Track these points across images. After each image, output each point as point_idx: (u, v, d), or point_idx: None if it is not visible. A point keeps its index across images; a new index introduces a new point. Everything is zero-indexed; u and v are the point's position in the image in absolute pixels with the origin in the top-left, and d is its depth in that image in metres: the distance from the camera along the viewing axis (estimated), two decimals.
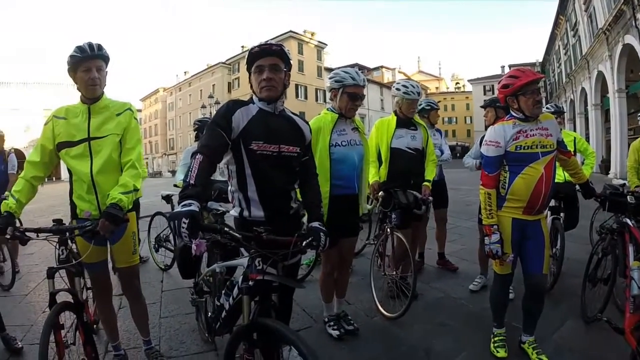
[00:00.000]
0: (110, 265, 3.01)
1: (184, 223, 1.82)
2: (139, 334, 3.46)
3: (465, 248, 6.24)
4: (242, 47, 62.21)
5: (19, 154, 7.39)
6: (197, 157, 2.12)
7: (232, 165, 2.42)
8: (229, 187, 2.53)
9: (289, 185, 2.54)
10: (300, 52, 53.86)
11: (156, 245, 6.05)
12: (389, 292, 4.15)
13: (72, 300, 2.54)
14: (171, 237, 5.68)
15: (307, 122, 2.70)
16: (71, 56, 2.66)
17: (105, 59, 2.75)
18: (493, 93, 63.03)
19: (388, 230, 4.03)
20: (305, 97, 52.70)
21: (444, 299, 4.34)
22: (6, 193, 6.04)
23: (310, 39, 56.09)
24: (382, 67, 71.01)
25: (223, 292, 2.50)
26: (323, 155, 3.19)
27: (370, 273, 4.20)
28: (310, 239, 2.20)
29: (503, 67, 66.77)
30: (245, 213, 2.43)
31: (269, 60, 2.37)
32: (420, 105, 5.26)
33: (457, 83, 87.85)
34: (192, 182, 2.03)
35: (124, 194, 2.55)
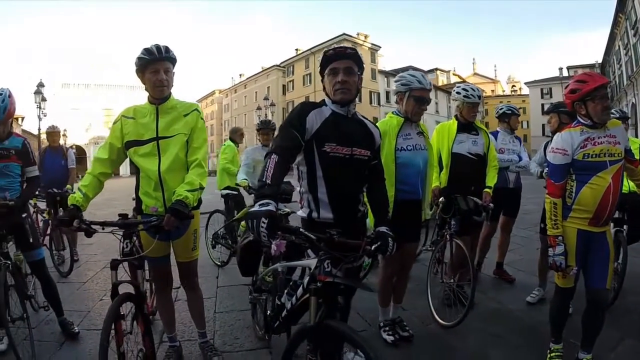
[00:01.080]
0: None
1: (263, 223, 1.82)
2: (193, 326, 3.53)
3: (522, 259, 6.02)
4: (296, 50, 63.06)
5: (79, 151, 7.65)
6: (272, 156, 2.13)
7: (303, 167, 2.43)
8: (298, 188, 2.53)
9: (358, 189, 2.53)
10: None
11: (213, 242, 6.18)
12: (444, 300, 4.05)
13: (133, 292, 2.58)
14: (228, 234, 5.79)
15: (377, 126, 2.69)
16: (139, 58, 2.74)
17: (173, 60, 2.83)
18: (550, 96, 60.72)
19: (447, 236, 3.93)
20: (360, 100, 51.75)
21: (500, 310, 4.19)
22: (67, 186, 6.38)
23: (364, 41, 55.90)
24: (436, 69, 70.17)
25: (285, 291, 2.51)
26: (388, 160, 3.15)
27: (427, 279, 4.10)
28: (378, 243, 2.17)
29: (561, 69, 64.47)
30: (314, 214, 2.43)
31: (343, 63, 2.37)
32: (501, 109, 5.17)
33: (513, 86, 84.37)
34: (268, 181, 2.04)
35: (189, 192, 2.61)
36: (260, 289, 3.27)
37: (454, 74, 73.83)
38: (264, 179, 2.05)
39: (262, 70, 69.19)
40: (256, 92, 66.22)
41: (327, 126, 2.37)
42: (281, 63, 65.54)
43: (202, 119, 2.93)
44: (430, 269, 4.20)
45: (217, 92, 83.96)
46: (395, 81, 3.36)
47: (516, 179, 5.09)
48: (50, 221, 6.08)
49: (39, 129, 21.12)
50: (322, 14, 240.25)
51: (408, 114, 3.30)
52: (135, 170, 2.92)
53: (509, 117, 5.17)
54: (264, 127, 5.64)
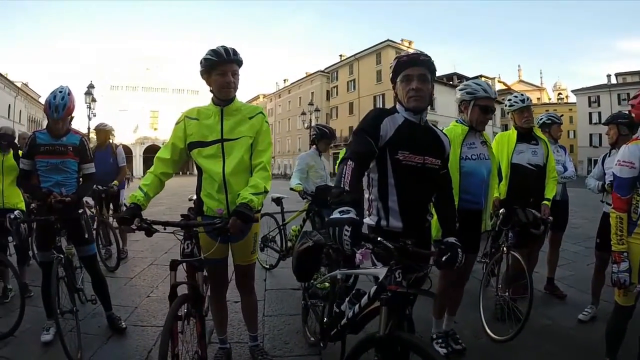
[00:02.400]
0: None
1: (347, 231, 1.79)
2: (241, 329, 3.52)
3: (573, 275, 5.79)
4: (340, 56, 63.51)
5: (126, 150, 7.82)
6: (348, 163, 2.11)
7: (374, 174, 2.39)
8: (367, 196, 2.47)
9: (427, 198, 2.49)
10: None
11: (262, 245, 6.16)
12: (496, 314, 3.93)
13: (188, 293, 2.53)
14: (277, 238, 5.81)
15: (446, 135, 2.63)
16: (206, 59, 2.72)
17: (240, 63, 2.81)
18: (598, 105, 58.48)
19: (504, 248, 3.81)
20: None
21: (552, 326, 4.03)
22: (114, 183, 6.47)
23: (408, 47, 55.27)
24: (481, 76, 68.61)
25: (347, 299, 2.46)
26: (453, 168, 3.06)
27: (479, 292, 3.98)
28: (449, 254, 2.12)
29: (609, 76, 61.34)
30: (383, 223, 2.38)
31: (417, 70, 2.33)
32: (541, 119, 4.99)
33: (559, 94, 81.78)
34: (346, 188, 2.02)
35: (254, 195, 2.58)
36: (316, 295, 3.22)
37: (499, 81, 72.42)
38: (341, 186, 2.03)
39: (307, 76, 69.89)
40: (300, 98, 66.82)
41: (401, 134, 2.33)
42: (325, 69, 66.08)
43: (266, 122, 2.90)
44: (484, 281, 4.08)
45: (262, 97, 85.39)
46: (460, 90, 3.29)
47: (562, 190, 4.92)
48: (96, 217, 6.18)
49: (89, 129, 21.72)
50: (366, 19, 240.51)
51: (472, 122, 3.23)
52: (197, 171, 2.90)
53: (549, 127, 4.99)
54: (327, 137, 5.62)
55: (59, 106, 3.54)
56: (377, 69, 54.79)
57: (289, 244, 5.66)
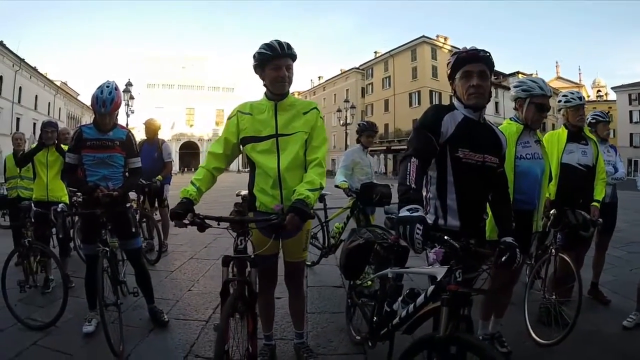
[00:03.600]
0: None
1: (418, 229, 1.77)
2: (285, 325, 3.52)
3: (616, 279, 5.61)
4: (375, 52, 63.37)
5: None
6: (411, 160, 2.08)
7: (433, 172, 2.35)
8: (425, 194, 2.42)
9: (485, 197, 2.45)
10: (434, 57, 53.18)
11: None
12: (541, 317, 3.85)
13: (242, 290, 2.49)
14: (319, 235, 5.77)
15: (503, 133, 2.58)
16: (259, 53, 2.70)
17: (294, 57, 2.76)
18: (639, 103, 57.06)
19: (552, 250, 3.71)
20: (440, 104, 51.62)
21: (595, 332, 3.91)
22: (157, 177, 6.57)
23: (444, 43, 54.98)
24: (518, 72, 67.36)
25: (400, 299, 2.43)
26: (507, 168, 2.98)
27: (525, 294, 3.89)
28: (507, 254, 2.07)
29: None
30: (441, 221, 2.34)
31: (477, 66, 2.29)
32: (587, 119, 4.84)
33: (598, 91, 79.22)
34: (413, 185, 2.00)
35: (311, 191, 2.54)
36: (363, 294, 3.19)
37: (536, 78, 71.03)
38: (407, 183, 2.00)
39: (341, 73, 69.88)
40: (335, 95, 66.93)
41: (461, 131, 2.29)
42: (360, 66, 65.95)
43: (321, 117, 2.87)
44: (529, 284, 3.98)
45: (296, 94, 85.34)
46: (515, 86, 3.21)
47: (612, 192, 4.75)
48: (139, 211, 6.29)
49: (127, 125, 22.30)
50: (400, 16, 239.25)
51: (527, 121, 3.15)
52: (250, 166, 2.87)
53: (595, 126, 4.82)
54: (367, 130, 5.56)
55: (107, 101, 3.58)
56: (412, 65, 54.44)
57: (332, 241, 5.63)
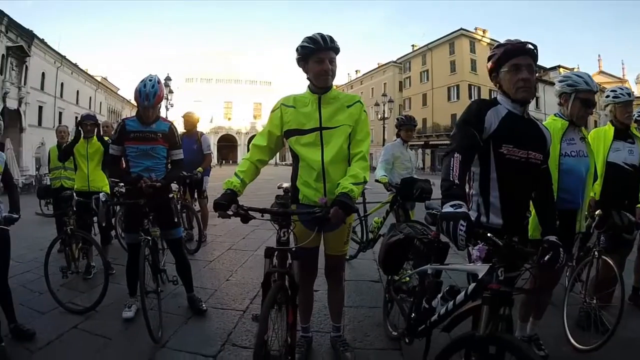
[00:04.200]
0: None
1: (462, 226, 1.77)
2: (322, 318, 3.57)
3: None
4: (413, 46, 62.06)
5: None
6: (455, 155, 2.06)
7: (476, 168, 2.31)
8: (468, 190, 2.38)
9: (528, 195, 2.40)
10: (473, 50, 51.66)
11: None
12: (580, 322, 3.74)
13: (283, 282, 2.50)
14: (358, 229, 5.75)
15: (547, 129, 2.52)
16: (302, 47, 2.71)
17: (336, 50, 2.77)
18: None
19: (595, 253, 3.61)
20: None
21: (636, 340, 3.75)
22: (198, 169, 6.73)
23: (482, 36, 53.36)
24: (559, 66, 65.22)
25: (439, 296, 2.42)
26: (552, 165, 2.92)
27: (564, 297, 3.80)
28: (551, 253, 2.04)
29: None
30: (483, 219, 2.31)
31: (525, 59, 2.24)
32: (633, 115, 4.68)
33: None
34: (456, 181, 1.98)
35: (355, 185, 2.54)
36: (401, 289, 3.18)
37: None
38: (450, 179, 1.99)
39: (379, 67, 69.10)
40: (372, 89, 66.15)
41: (505, 126, 2.25)
42: (397, 59, 64.90)
43: (364, 111, 2.85)
44: (569, 286, 3.88)
45: (334, 87, 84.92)
46: (560, 81, 3.12)
47: None
48: (180, 201, 6.46)
49: (166, 118, 22.87)
50: (438, 8, 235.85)
51: (573, 117, 3.05)
52: (293, 159, 2.90)
53: None
54: (407, 124, 5.50)
55: (150, 94, 3.68)
56: (450, 59, 53.18)
57: (370, 235, 5.61)
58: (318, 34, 2.70)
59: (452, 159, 2.05)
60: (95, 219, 5.55)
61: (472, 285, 2.06)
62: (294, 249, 2.53)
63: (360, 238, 5.78)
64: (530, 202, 2.50)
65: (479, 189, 2.33)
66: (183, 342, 3.44)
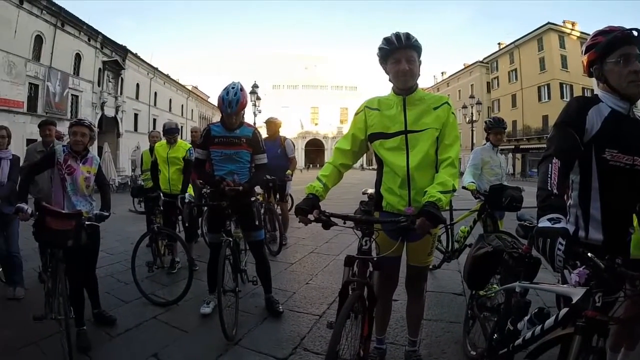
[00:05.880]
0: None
1: (561, 245, 1.58)
2: (399, 329, 3.48)
3: None
4: (499, 44, 58.77)
5: None
6: (553, 161, 1.86)
7: (575, 175, 2.07)
8: (569, 202, 2.17)
9: (632, 207, 2.11)
10: (562, 46, 47.58)
11: None
12: None
13: (362, 292, 2.38)
14: (443, 237, 5.56)
15: None
16: (380, 48, 2.61)
17: (416, 48, 2.58)
18: None
19: None
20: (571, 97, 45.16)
21: None
22: (287, 172, 6.89)
23: (572, 30, 49.05)
24: None
25: (526, 318, 2.20)
26: None
27: None
28: None
29: None
30: (581, 233, 2.07)
31: (634, 49, 1.97)
32: None
33: None
34: (554, 190, 1.78)
35: (442, 193, 2.36)
36: (485, 306, 2.97)
37: None
38: (548, 188, 1.80)
39: (465, 67, 66.73)
40: (459, 91, 63.94)
41: (608, 128, 1.99)
42: (484, 59, 62.07)
43: (453, 113, 2.66)
44: None
45: (420, 89, 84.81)
46: None
47: None
48: (264, 204, 6.64)
49: (254, 124, 23.73)
50: (522, 1, 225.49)
51: None
52: (377, 163, 2.78)
53: None
54: (495, 126, 5.20)
55: (232, 101, 3.78)
56: (539, 56, 49.42)
57: (456, 245, 5.36)
58: (393, 33, 2.56)
59: (550, 165, 1.86)
60: (180, 217, 5.87)
61: (564, 310, 1.84)
62: (375, 259, 2.42)
63: (445, 247, 5.52)
64: (634, 216, 2.20)
65: (577, 200, 2.09)
66: (256, 342, 3.48)
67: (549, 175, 1.82)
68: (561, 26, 48.50)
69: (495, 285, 3.06)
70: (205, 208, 5.89)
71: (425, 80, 74.63)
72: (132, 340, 3.54)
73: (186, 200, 5.25)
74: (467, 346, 3.19)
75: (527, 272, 2.39)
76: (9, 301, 4.46)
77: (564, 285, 1.94)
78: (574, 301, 1.76)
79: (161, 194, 5.36)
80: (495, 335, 2.54)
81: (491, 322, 2.81)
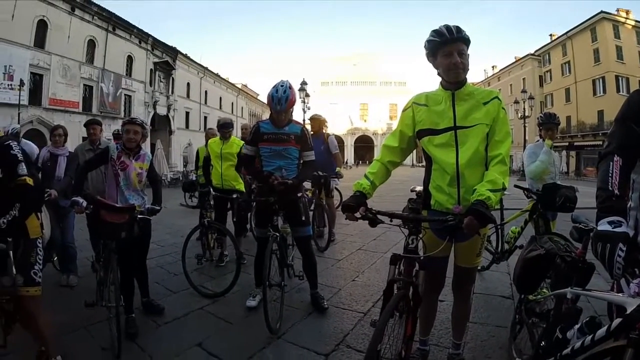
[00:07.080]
0: None
1: (621, 251, 1.49)
2: (443, 331, 3.44)
3: None
4: (551, 35, 55.80)
5: (338, 140, 8.39)
6: (614, 159, 1.76)
7: (636, 175, 1.91)
8: (629, 204, 2.06)
9: None
10: (617, 36, 44.67)
11: None
12: None
13: (407, 291, 2.36)
14: (492, 238, 5.44)
15: None
16: (429, 41, 2.54)
17: (466, 41, 2.50)
18: None
19: None
20: (628, 91, 39.78)
21: None
22: (337, 169, 6.94)
23: (627, 18, 45.86)
24: None
25: (577, 326, 2.10)
26: None
27: None
28: None
29: None
30: None
31: None
32: None
33: None
34: (616, 191, 1.68)
35: (492, 192, 2.29)
36: (534, 312, 2.87)
37: None
38: (609, 188, 1.70)
39: (516, 61, 64.13)
40: (511, 85, 61.80)
41: None
42: (535, 51, 59.32)
43: (503, 108, 2.58)
44: None
45: (469, 83, 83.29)
46: None
47: None
48: (314, 200, 6.78)
49: (304, 120, 24.04)
50: None
51: None
52: (426, 161, 2.73)
53: None
54: (548, 122, 4.96)
55: (282, 99, 3.84)
56: (593, 47, 46.49)
57: (506, 246, 5.21)
58: (443, 25, 2.49)
59: (611, 163, 1.75)
60: (230, 212, 6.04)
61: (617, 320, 1.73)
62: (421, 258, 2.40)
63: (494, 248, 5.37)
64: None
65: (638, 202, 1.92)
66: (299, 337, 3.52)
67: (610, 174, 1.73)
68: (615, 15, 45.38)
69: (545, 290, 2.98)
70: (254, 203, 6.01)
71: (476, 74, 72.68)
72: (178, 329, 3.67)
73: (234, 197, 5.43)
74: (513, 352, 3.08)
75: (580, 277, 2.31)
76: (62, 288, 4.74)
77: (619, 294, 1.84)
78: (628, 311, 1.65)
79: (211, 189, 5.52)
80: (543, 342, 2.44)
81: (539, 328, 2.71)
